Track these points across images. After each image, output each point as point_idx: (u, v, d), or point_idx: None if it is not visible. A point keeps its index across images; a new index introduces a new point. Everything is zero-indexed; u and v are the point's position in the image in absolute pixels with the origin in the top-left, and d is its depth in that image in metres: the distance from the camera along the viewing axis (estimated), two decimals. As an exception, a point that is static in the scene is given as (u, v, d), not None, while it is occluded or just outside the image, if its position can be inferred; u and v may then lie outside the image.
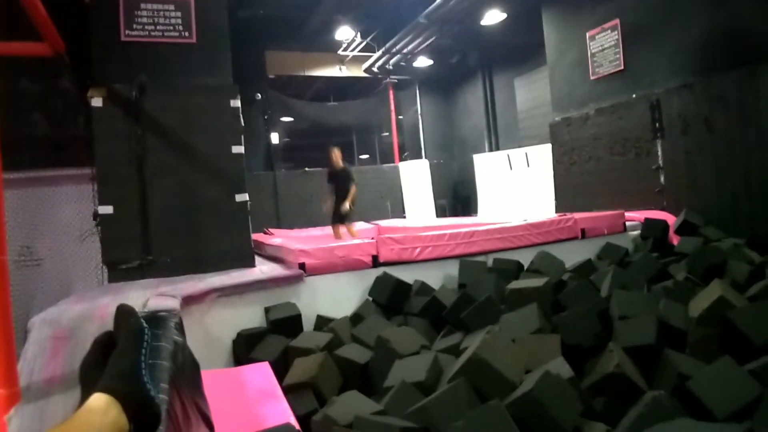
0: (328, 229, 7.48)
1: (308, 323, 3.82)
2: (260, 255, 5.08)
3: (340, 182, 7.11)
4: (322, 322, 3.79)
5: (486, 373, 2.38)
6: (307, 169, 11.61)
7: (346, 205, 6.88)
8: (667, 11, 6.32)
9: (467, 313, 3.30)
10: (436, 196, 12.29)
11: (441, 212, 12.10)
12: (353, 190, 6.99)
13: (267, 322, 3.68)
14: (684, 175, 6.14)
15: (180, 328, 2.42)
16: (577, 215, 5.58)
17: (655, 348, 2.71)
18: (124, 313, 0.61)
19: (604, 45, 7.30)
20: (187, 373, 2.11)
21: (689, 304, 3.28)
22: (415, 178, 12.24)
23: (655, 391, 2.39)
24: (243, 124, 4.64)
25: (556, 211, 7.74)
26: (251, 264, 4.45)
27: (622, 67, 7.01)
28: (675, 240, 5.16)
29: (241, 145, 4.51)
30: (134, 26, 4.42)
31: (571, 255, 4.77)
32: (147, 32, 4.46)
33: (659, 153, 6.44)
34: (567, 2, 8.06)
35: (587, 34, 7.54)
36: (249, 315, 3.71)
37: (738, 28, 5.54)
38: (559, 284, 3.86)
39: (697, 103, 5.97)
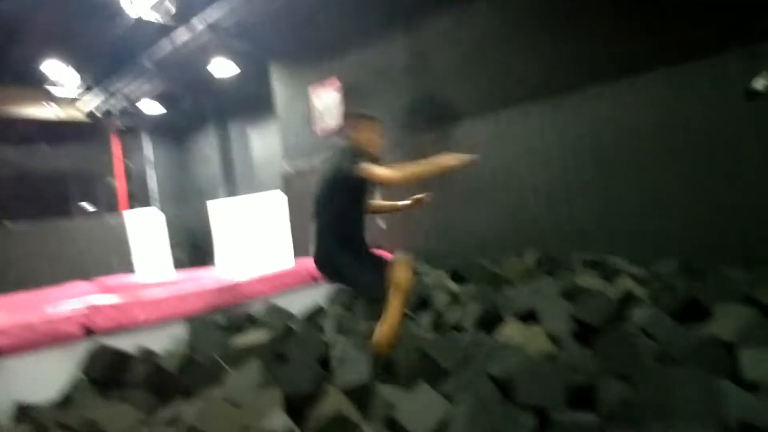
0: (32, 295, 6.31)
1: (6, 416, 3.24)
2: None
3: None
4: (23, 412, 3.24)
5: (203, 442, 2.31)
6: (7, 223, 10.00)
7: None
8: (378, 76, 7.21)
9: (190, 377, 3.17)
10: (174, 247, 11.69)
11: (179, 264, 11.51)
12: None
13: (-55, 423, 3.02)
14: (399, 221, 7.03)
15: None
16: (310, 260, 5.83)
17: (369, 385, 2.96)
18: None
19: (327, 101, 7.92)
20: None
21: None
22: (147, 228, 11.48)
23: (370, 425, 2.60)
24: None
25: (294, 257, 8.00)
26: None
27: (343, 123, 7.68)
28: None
29: None
30: None
31: (305, 301, 4.94)
32: None
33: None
34: (292, 59, 8.58)
35: (311, 90, 8.10)
36: None
37: (434, 94, 6.67)
38: (287, 333, 3.96)
39: (402, 159, 6.88)
